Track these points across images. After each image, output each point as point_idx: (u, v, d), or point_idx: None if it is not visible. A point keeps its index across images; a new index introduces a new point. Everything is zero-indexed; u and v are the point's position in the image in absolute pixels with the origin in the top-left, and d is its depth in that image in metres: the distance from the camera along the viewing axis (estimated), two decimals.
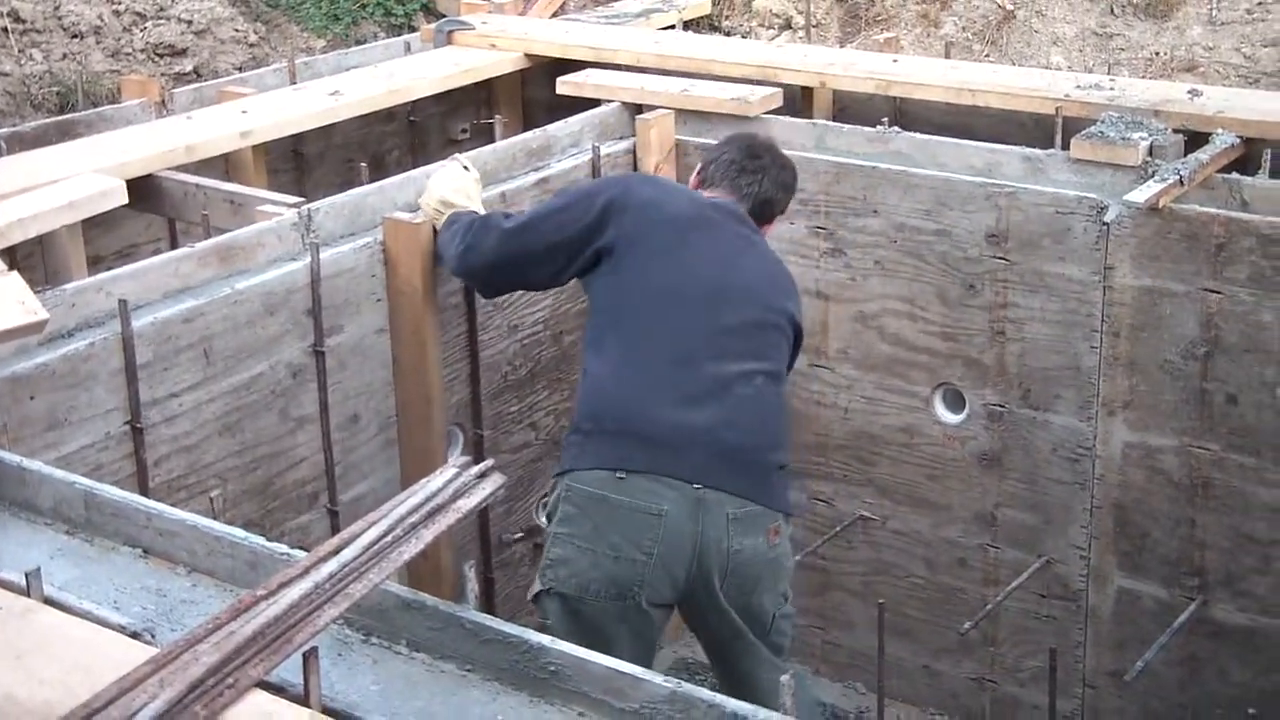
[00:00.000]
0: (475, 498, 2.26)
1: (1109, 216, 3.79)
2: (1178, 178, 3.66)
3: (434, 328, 3.80)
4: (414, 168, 4.18)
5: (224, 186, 3.98)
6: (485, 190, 3.90)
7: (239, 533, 2.35)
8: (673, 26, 5.73)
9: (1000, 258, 3.98)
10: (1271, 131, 3.87)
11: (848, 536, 4.42)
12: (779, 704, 1.99)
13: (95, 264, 3.98)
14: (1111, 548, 4.00)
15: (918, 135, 4.20)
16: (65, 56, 5.83)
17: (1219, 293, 3.69)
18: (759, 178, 3.61)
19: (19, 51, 5.77)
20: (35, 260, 3.77)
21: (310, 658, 1.87)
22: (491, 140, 4.32)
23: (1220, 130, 3.89)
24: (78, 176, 3.68)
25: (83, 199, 3.53)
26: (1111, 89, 4.23)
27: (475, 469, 2.31)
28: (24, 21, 5.82)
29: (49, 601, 2.09)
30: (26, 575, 2.10)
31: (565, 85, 4.73)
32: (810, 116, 4.56)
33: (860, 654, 4.47)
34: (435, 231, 3.73)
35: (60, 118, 4.59)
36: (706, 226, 3.48)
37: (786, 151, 4.21)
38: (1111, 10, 6.27)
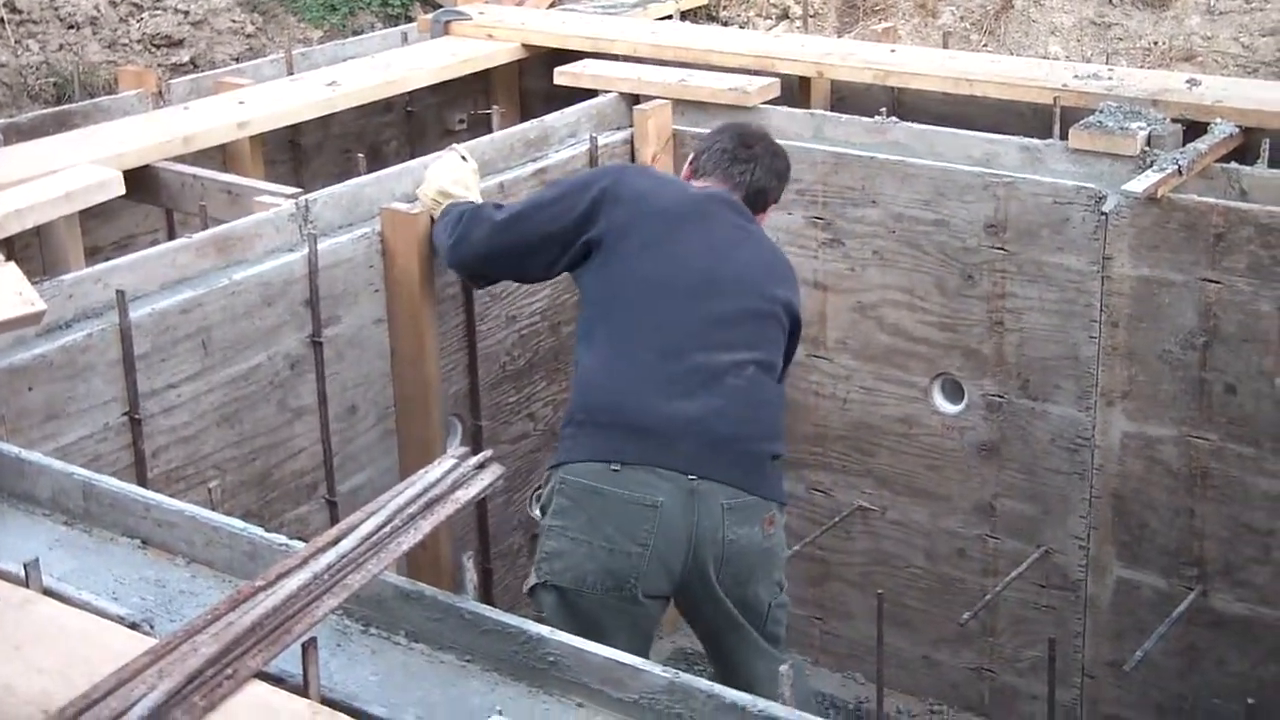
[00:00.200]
0: (474, 488, 2.26)
1: (1107, 206, 3.79)
2: (1176, 167, 3.66)
3: (432, 318, 3.80)
4: (411, 158, 4.18)
5: (221, 177, 3.98)
6: (483, 181, 3.89)
7: (237, 523, 2.35)
8: (670, 16, 5.72)
9: (998, 248, 3.98)
10: (1270, 121, 3.86)
11: (846, 527, 4.42)
12: (777, 693, 1.99)
13: (93, 255, 3.97)
14: (1110, 538, 4.00)
15: (916, 125, 4.20)
16: (62, 47, 5.82)
17: (1218, 282, 3.69)
18: (751, 166, 3.59)
19: (15, 42, 5.76)
20: (33, 251, 3.77)
21: (309, 648, 1.87)
22: (489, 131, 4.31)
23: (1219, 120, 3.88)
24: (75, 167, 3.67)
25: (80, 190, 3.53)
26: (1110, 79, 4.23)
27: (473, 460, 2.31)
28: (20, 12, 5.81)
29: (48, 592, 2.09)
30: (25, 566, 2.10)
31: (562, 76, 4.72)
32: (808, 107, 4.55)
33: (859, 644, 4.48)
34: (433, 222, 3.72)
35: (57, 109, 4.58)
36: (699, 217, 3.47)
37: (784, 142, 4.20)
38: (1109, 0, 6.26)
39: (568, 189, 3.58)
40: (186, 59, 6.05)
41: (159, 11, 6.06)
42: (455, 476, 2.27)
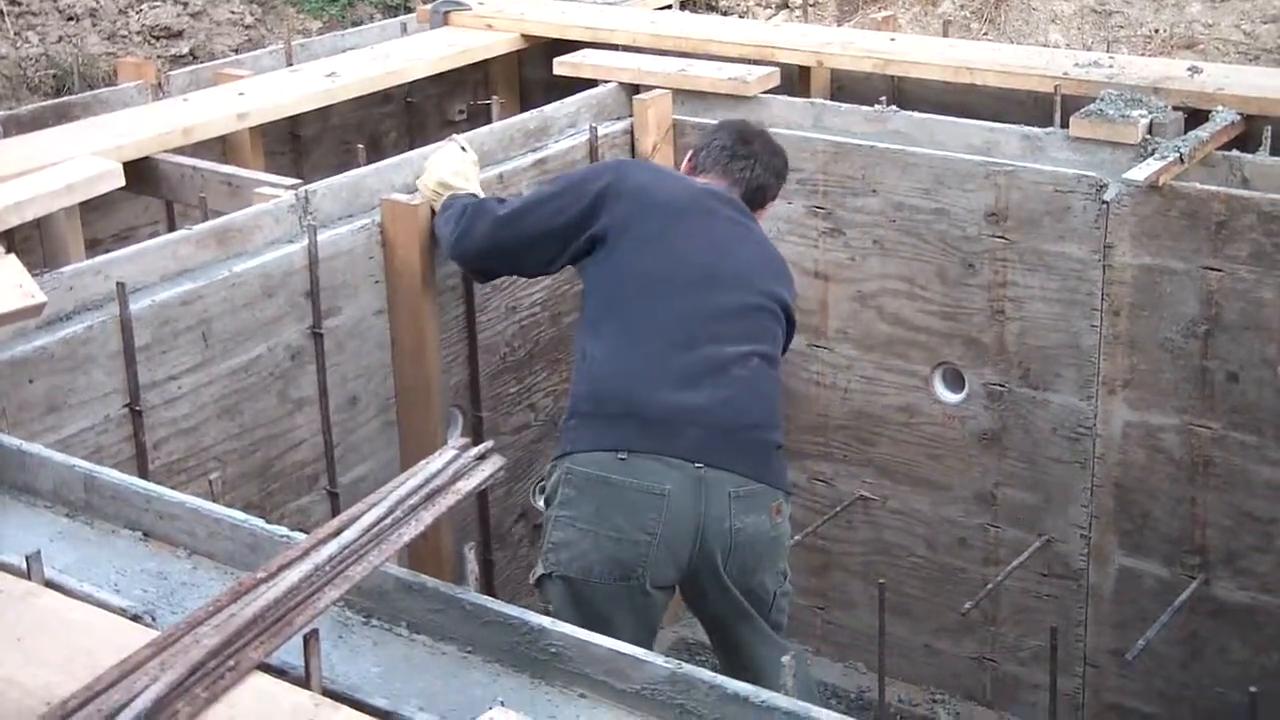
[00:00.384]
0: (475, 479, 2.26)
1: (1109, 195, 3.78)
2: (1178, 155, 3.65)
3: (432, 309, 3.80)
4: (411, 149, 4.17)
5: (221, 169, 3.97)
6: (483, 171, 3.89)
7: (239, 515, 2.35)
8: (669, 6, 5.71)
9: (999, 237, 3.97)
10: (1272, 108, 3.86)
11: (848, 516, 4.42)
12: (780, 682, 1.99)
13: (93, 247, 3.97)
14: (1112, 527, 4.00)
15: (916, 114, 4.19)
16: (61, 39, 5.82)
17: (1219, 270, 3.69)
18: (751, 163, 3.63)
19: (15, 34, 5.75)
20: (33, 244, 3.76)
21: (311, 640, 1.87)
22: (489, 121, 4.30)
23: (1220, 107, 3.87)
24: (75, 159, 3.67)
25: (80, 182, 3.52)
26: (1111, 66, 4.22)
27: (474, 451, 2.31)
28: (19, 4, 5.80)
29: (50, 584, 2.09)
30: (27, 558, 2.10)
31: (562, 66, 4.71)
32: (808, 96, 4.54)
33: (861, 634, 4.48)
34: (433, 213, 3.72)
35: (56, 100, 4.58)
36: (700, 213, 3.49)
37: (784, 131, 4.21)
38: None
39: (570, 184, 3.59)
40: (186, 50, 6.05)
41: (158, 3, 6.06)
42: (456, 468, 2.26)
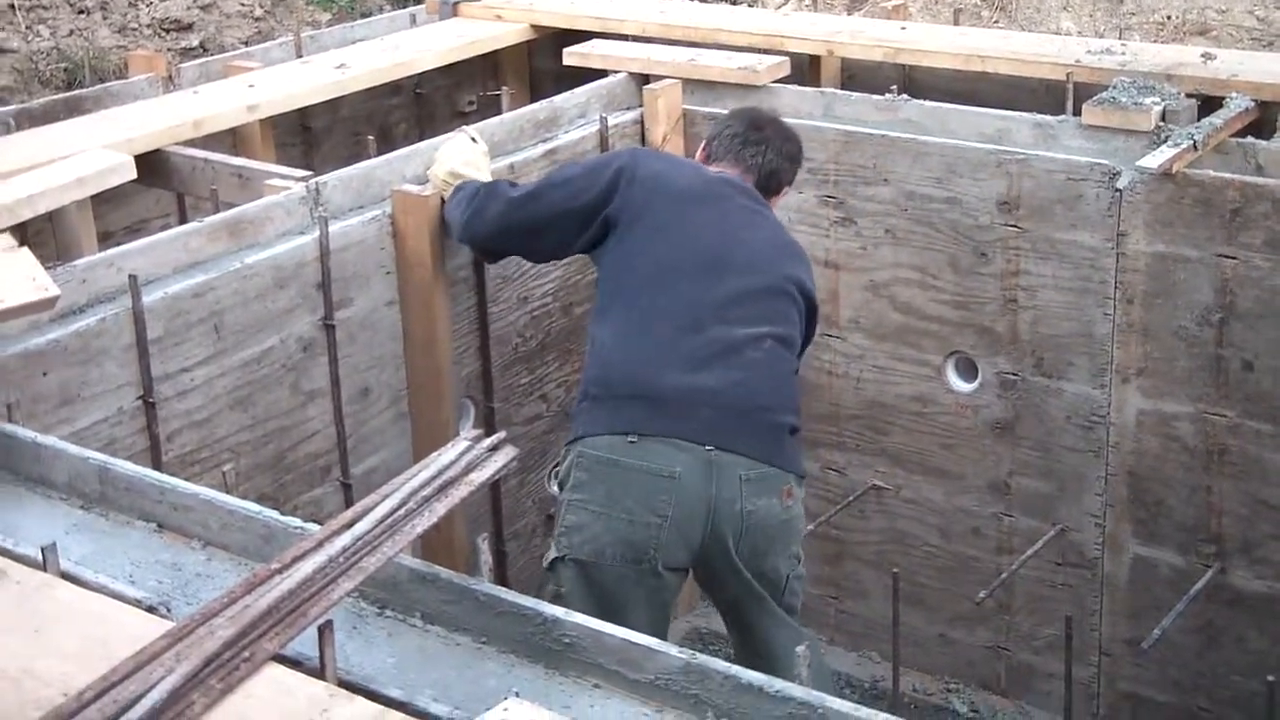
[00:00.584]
0: (487, 470, 2.26)
1: (1122, 183, 3.77)
2: (1191, 143, 3.64)
3: (444, 300, 3.80)
4: (421, 140, 4.16)
5: (232, 161, 3.97)
6: (493, 162, 3.89)
7: (252, 507, 2.35)
8: None
9: (1012, 225, 3.96)
10: None
11: (861, 506, 4.41)
12: (795, 672, 1.99)
13: (105, 240, 3.97)
14: (1127, 515, 3.98)
15: (927, 103, 4.18)
16: (72, 32, 5.82)
17: (1234, 258, 3.67)
18: (763, 149, 3.63)
19: (26, 28, 5.76)
20: (46, 237, 3.77)
21: (325, 631, 1.88)
22: (499, 112, 4.30)
23: (1234, 94, 3.86)
24: (86, 152, 3.67)
25: (91, 175, 3.53)
26: (1123, 54, 4.20)
27: (487, 442, 2.31)
28: None
29: (65, 576, 2.10)
30: (43, 550, 2.11)
31: (572, 56, 4.71)
32: (818, 85, 4.53)
33: (874, 623, 4.47)
34: (443, 203, 3.72)
35: (68, 94, 4.58)
36: (712, 200, 3.50)
37: (795, 120, 4.20)
38: None
39: (585, 168, 3.62)
40: (196, 43, 6.05)
41: None
42: (469, 459, 2.26)
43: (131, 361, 3.18)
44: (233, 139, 4.31)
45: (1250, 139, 3.75)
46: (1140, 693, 4.08)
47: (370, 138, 4.14)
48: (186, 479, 2.77)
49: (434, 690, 1.99)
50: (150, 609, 2.03)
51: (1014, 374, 4.06)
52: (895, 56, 4.47)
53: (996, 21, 6.28)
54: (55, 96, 4.56)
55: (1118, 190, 3.77)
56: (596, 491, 3.20)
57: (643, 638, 2.01)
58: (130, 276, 3.18)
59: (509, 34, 5.06)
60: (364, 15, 6.17)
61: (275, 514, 2.32)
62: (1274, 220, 3.59)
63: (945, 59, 4.39)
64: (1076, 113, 3.91)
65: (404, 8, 5.95)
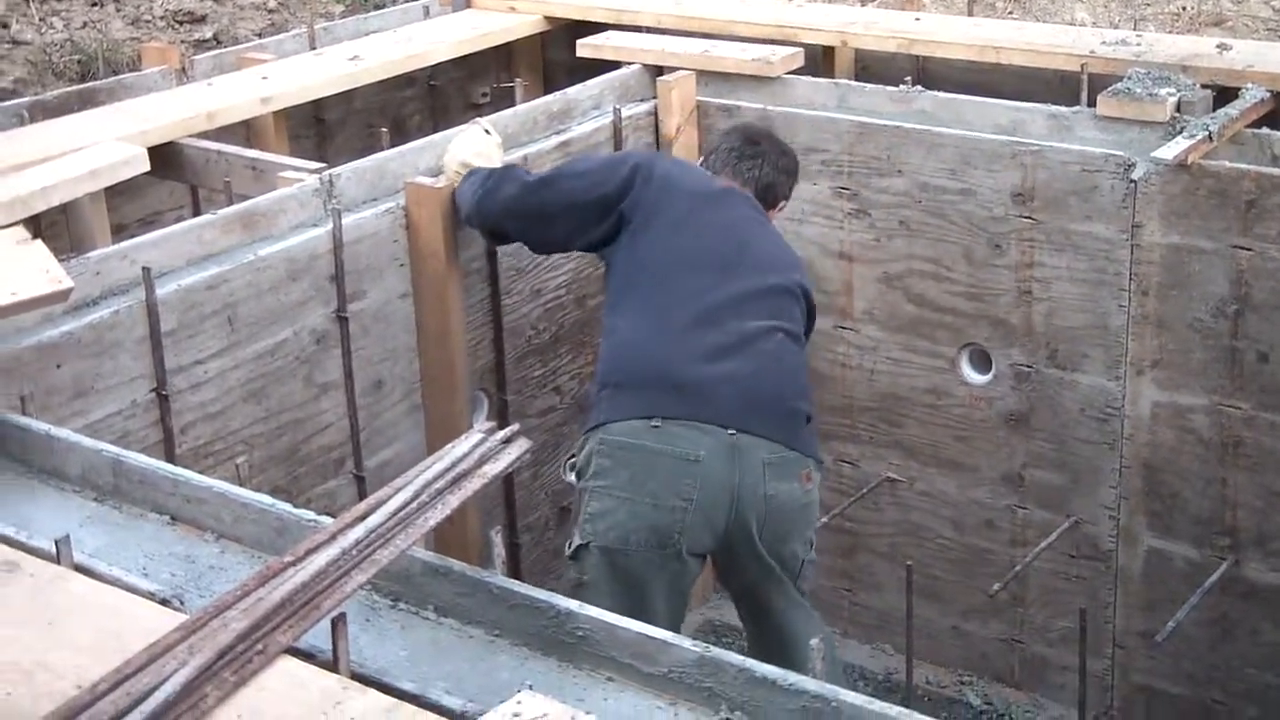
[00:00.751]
0: (501, 463, 2.26)
1: (1136, 174, 3.75)
2: (1206, 134, 3.62)
3: (457, 292, 3.79)
4: (435, 132, 4.16)
5: (245, 153, 3.97)
6: (507, 154, 3.88)
7: (266, 499, 2.35)
8: None
9: (1026, 217, 3.94)
10: None
11: (874, 498, 4.41)
12: (810, 666, 1.98)
13: (119, 232, 3.98)
14: (1141, 508, 3.97)
15: (941, 94, 4.16)
16: (86, 25, 5.83)
17: (1249, 250, 3.65)
18: (759, 162, 3.71)
19: (40, 20, 5.77)
20: (60, 229, 3.78)
21: (338, 624, 1.88)
22: (512, 104, 4.30)
23: (1250, 85, 3.84)
24: (100, 145, 3.68)
25: (105, 167, 3.53)
26: (1138, 44, 4.18)
27: (500, 434, 2.31)
28: None
29: (79, 568, 2.10)
30: (56, 542, 2.11)
31: (585, 48, 4.70)
32: (832, 76, 4.52)
33: (888, 615, 4.47)
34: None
35: (81, 86, 4.58)
36: (722, 203, 3.58)
37: (808, 111, 4.19)
38: None
39: (601, 162, 3.69)
40: (209, 35, 6.06)
41: None
42: (482, 451, 2.26)
43: (145, 354, 3.18)
44: (246, 131, 4.31)
45: (1266, 130, 3.73)
46: (1154, 685, 4.07)
47: (384, 130, 4.14)
48: (200, 472, 2.77)
49: (447, 683, 1.99)
50: (163, 601, 2.03)
51: (1028, 366, 4.05)
52: (909, 47, 4.46)
53: (1011, 12, 6.26)
54: (69, 89, 4.56)
55: (1133, 181, 3.75)
56: (620, 477, 3.23)
57: (657, 631, 2.01)
58: (144, 269, 3.18)
59: (523, 25, 5.05)
60: (377, 7, 6.17)
61: (288, 507, 2.32)
62: None
63: (959, 50, 4.38)
64: (1091, 104, 3.89)
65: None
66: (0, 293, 2.67)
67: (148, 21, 5.97)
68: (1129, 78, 3.89)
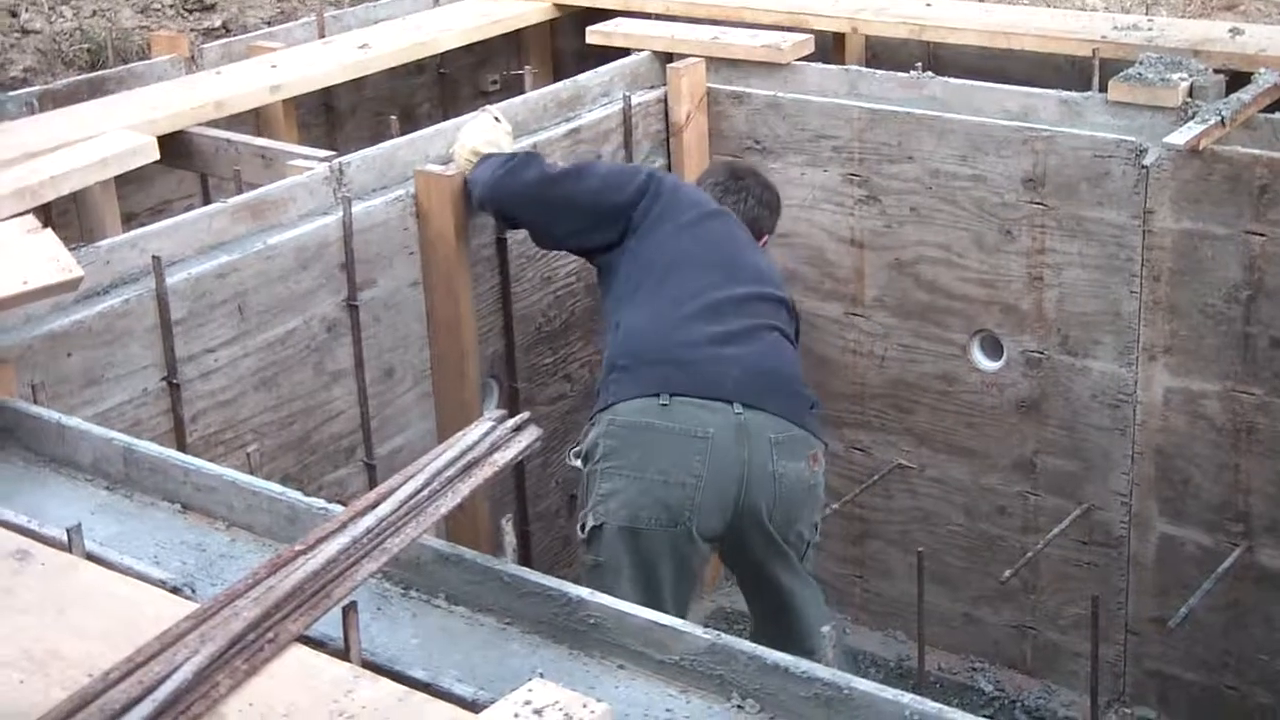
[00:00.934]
0: (512, 451, 2.25)
1: (1148, 159, 3.73)
2: (1219, 119, 3.60)
3: (467, 280, 3.79)
4: (444, 120, 4.16)
5: (255, 142, 3.97)
6: (516, 141, 3.88)
7: (276, 487, 2.35)
8: None
9: (1037, 203, 3.93)
10: None
11: (886, 485, 4.40)
12: (820, 654, 1.98)
13: (129, 221, 3.98)
14: (1153, 494, 3.96)
15: (952, 80, 4.15)
16: (95, 13, 5.83)
17: (1262, 235, 3.64)
18: (743, 196, 3.86)
19: (49, 9, 5.77)
20: (70, 218, 3.78)
21: (349, 612, 1.88)
22: (522, 91, 4.29)
23: (1262, 69, 3.82)
24: (110, 133, 3.68)
25: (115, 156, 3.53)
26: (1150, 29, 4.16)
27: (511, 422, 2.30)
28: None
29: (90, 557, 2.10)
30: (68, 531, 2.11)
31: (595, 35, 4.69)
32: (842, 63, 4.51)
33: (900, 602, 4.46)
34: (466, 184, 3.71)
35: (91, 75, 4.59)
36: (720, 217, 3.70)
37: (819, 98, 4.19)
38: None
39: (616, 170, 3.82)
40: (219, 23, 6.05)
41: None
42: (493, 439, 2.26)
43: (155, 343, 3.18)
44: (256, 120, 4.31)
45: (1279, 115, 3.71)
46: (1166, 671, 4.07)
47: (393, 117, 4.13)
48: (211, 460, 2.78)
49: (458, 671, 1.99)
50: (175, 590, 2.03)
51: (1040, 352, 4.04)
52: (920, 34, 4.45)
53: None
54: (78, 77, 4.56)
55: (1144, 167, 3.74)
56: (630, 457, 3.27)
57: (668, 619, 2.01)
58: (154, 257, 3.18)
59: (532, 13, 5.04)
60: None
61: (299, 495, 2.32)
62: None
63: (970, 36, 4.37)
64: (1103, 89, 3.87)
65: None
66: (11, 281, 2.68)
67: (157, 10, 5.97)
68: (1141, 62, 3.87)
